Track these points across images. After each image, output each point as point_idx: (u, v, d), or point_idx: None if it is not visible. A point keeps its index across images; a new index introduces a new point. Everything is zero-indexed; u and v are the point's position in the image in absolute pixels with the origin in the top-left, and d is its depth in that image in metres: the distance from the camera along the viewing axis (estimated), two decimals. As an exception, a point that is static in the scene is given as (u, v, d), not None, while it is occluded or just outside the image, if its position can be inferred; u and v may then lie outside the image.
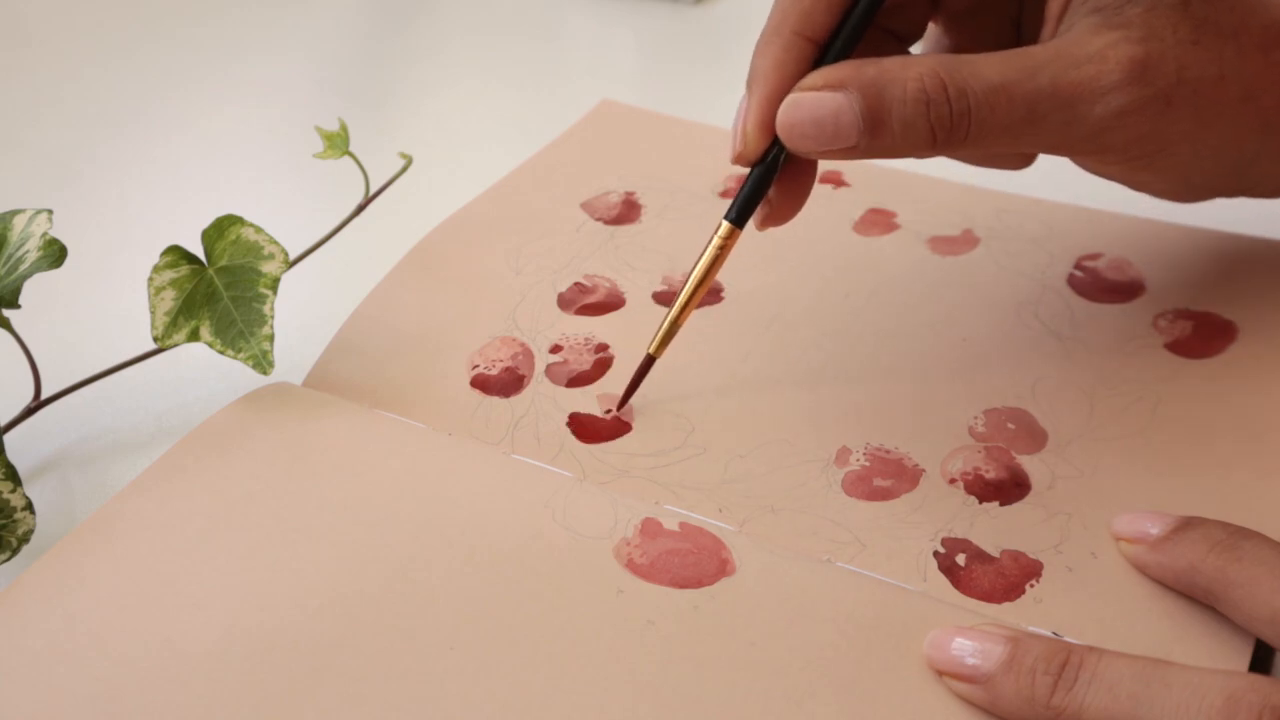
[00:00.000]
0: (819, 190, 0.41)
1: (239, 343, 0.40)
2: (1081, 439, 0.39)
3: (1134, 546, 0.34)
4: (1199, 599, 0.33)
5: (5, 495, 0.37)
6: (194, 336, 0.41)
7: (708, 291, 0.46)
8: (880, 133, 0.35)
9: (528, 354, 0.43)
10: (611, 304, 0.46)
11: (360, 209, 0.46)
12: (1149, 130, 0.35)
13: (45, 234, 0.40)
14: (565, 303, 0.46)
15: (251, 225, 0.42)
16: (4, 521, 0.37)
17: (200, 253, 0.41)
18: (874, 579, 0.34)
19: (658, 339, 0.40)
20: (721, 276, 0.47)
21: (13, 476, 0.37)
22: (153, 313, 0.41)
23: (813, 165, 0.39)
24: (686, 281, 0.39)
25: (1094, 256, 0.46)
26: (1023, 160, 0.42)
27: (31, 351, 0.41)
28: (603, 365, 0.43)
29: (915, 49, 0.42)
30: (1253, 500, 0.36)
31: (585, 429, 0.40)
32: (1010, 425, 0.39)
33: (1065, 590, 0.34)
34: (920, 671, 0.32)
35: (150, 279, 0.41)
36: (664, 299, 0.46)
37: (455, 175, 0.54)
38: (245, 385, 0.42)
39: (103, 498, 0.39)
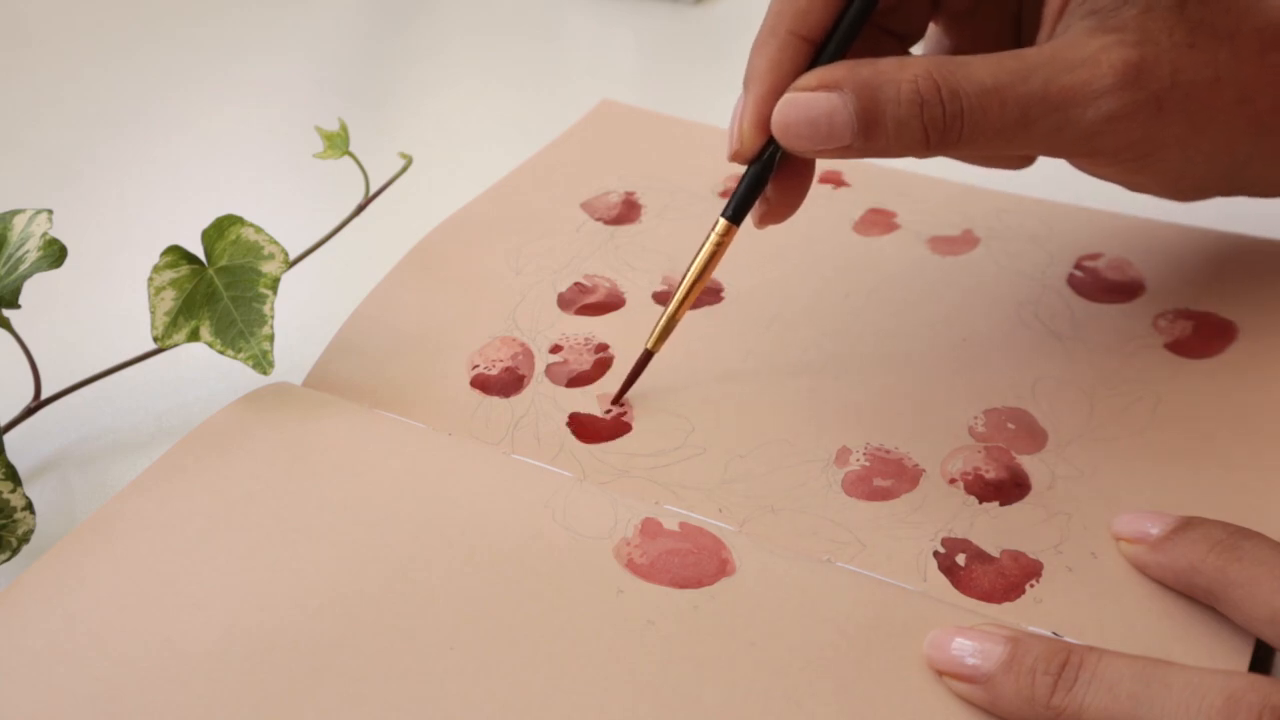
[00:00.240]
0: (819, 190, 0.41)
1: (239, 343, 0.40)
2: (1081, 439, 0.39)
3: (1134, 546, 0.34)
4: (1199, 599, 0.33)
5: (5, 495, 0.37)
6: (194, 336, 0.41)
7: (708, 291, 0.46)
8: (874, 133, 0.35)
9: (528, 354, 0.43)
10: (611, 304, 0.46)
11: (360, 209, 0.46)
12: (1141, 134, 0.35)
13: (45, 234, 0.40)
14: (565, 303, 0.46)
15: (251, 225, 0.42)
16: (4, 521, 0.37)
17: (200, 253, 0.41)
18: (874, 579, 0.34)
19: (655, 334, 0.40)
20: (721, 276, 0.47)
21: (13, 476, 0.37)
22: (153, 313, 0.41)
23: (810, 164, 0.39)
24: (684, 278, 0.39)
25: (1094, 256, 0.46)
26: (1022, 161, 0.42)
27: (31, 351, 0.41)
28: (603, 365, 0.43)
29: (916, 50, 0.42)
30: (1253, 500, 0.36)
31: (585, 429, 0.40)
32: (1010, 425, 0.39)
33: (1065, 590, 0.34)
34: (920, 671, 0.32)
35: (150, 279, 0.41)
36: (664, 299, 0.46)
37: (455, 175, 0.54)
38: (245, 385, 0.42)
39: (103, 498, 0.39)
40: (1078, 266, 0.46)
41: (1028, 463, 0.38)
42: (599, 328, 0.45)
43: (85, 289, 0.48)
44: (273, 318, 0.40)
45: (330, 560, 0.35)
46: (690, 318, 0.45)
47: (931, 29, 0.42)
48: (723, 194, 0.52)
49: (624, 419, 0.41)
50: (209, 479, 0.38)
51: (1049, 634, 0.32)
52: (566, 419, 0.41)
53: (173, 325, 0.41)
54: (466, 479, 0.38)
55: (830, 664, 0.32)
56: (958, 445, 0.39)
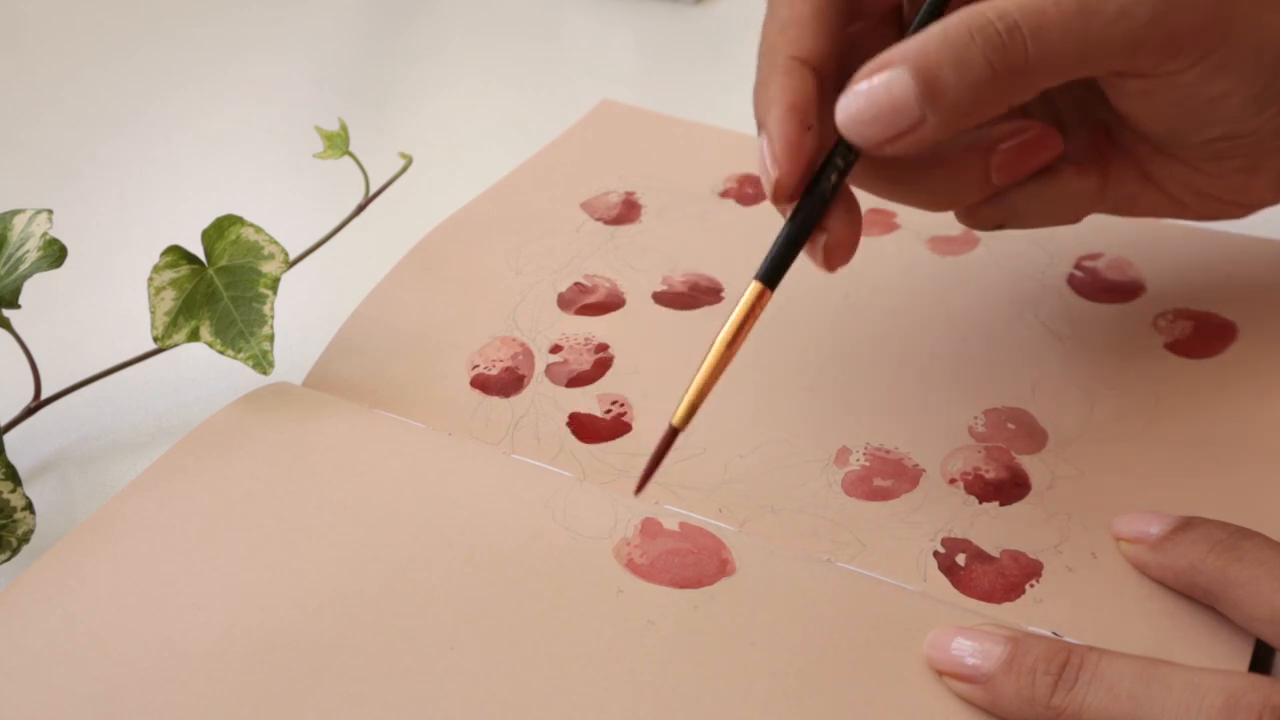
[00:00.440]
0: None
1: (239, 343, 0.40)
2: (1081, 439, 0.39)
3: (1134, 546, 0.34)
4: (1199, 599, 0.33)
5: (5, 495, 0.37)
6: (194, 336, 0.41)
7: (708, 291, 0.46)
8: (938, 90, 0.32)
9: (528, 354, 0.43)
10: (611, 304, 0.46)
11: (360, 209, 0.46)
12: (1209, 7, 0.33)
13: (45, 234, 0.40)
14: (565, 303, 0.46)
15: (251, 225, 0.42)
16: (4, 521, 0.37)
17: (200, 253, 0.42)
18: (874, 579, 0.34)
19: (682, 410, 0.34)
20: (721, 276, 0.47)
21: (13, 476, 0.37)
22: (153, 313, 0.41)
23: (851, 196, 0.37)
24: (710, 349, 0.34)
25: (1094, 256, 0.46)
26: (1091, 202, 0.39)
27: (31, 351, 0.41)
28: (603, 365, 0.43)
29: None
30: (1253, 500, 0.36)
31: (585, 429, 0.40)
32: (1010, 425, 0.39)
33: (1065, 590, 0.34)
34: (920, 671, 0.32)
35: (150, 279, 0.41)
36: (664, 299, 0.46)
37: (455, 175, 0.54)
38: (245, 385, 0.42)
39: (103, 498, 0.39)
40: (1078, 266, 0.46)
41: (1028, 463, 0.38)
42: (599, 328, 0.45)
43: (85, 289, 0.48)
44: (273, 318, 0.40)
45: (330, 560, 0.35)
46: (690, 318, 0.45)
47: None
48: (723, 194, 0.52)
49: (624, 419, 0.41)
50: (209, 479, 0.38)
51: (1049, 634, 0.32)
52: (566, 419, 0.41)
53: (173, 325, 0.41)
54: (466, 479, 0.38)
55: (830, 664, 0.32)
56: (958, 445, 0.39)
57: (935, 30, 0.33)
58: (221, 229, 0.42)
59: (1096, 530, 0.35)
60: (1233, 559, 0.32)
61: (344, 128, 0.46)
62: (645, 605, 0.33)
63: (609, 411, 0.41)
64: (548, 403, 0.41)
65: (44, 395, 0.41)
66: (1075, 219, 0.39)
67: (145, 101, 0.65)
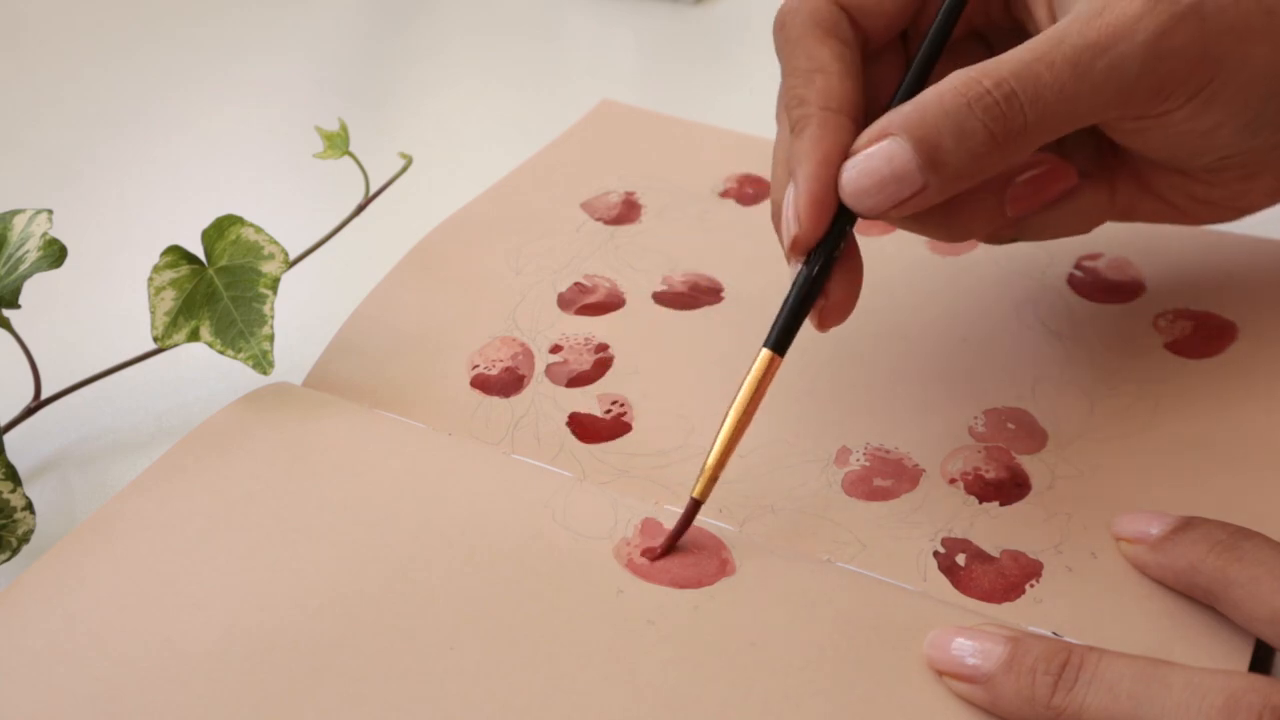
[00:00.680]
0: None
1: (239, 343, 0.40)
2: (1081, 439, 0.39)
3: (1134, 546, 0.34)
4: (1199, 599, 0.33)
5: (5, 495, 0.37)
6: (194, 336, 0.41)
7: (707, 291, 0.46)
8: (939, 158, 0.33)
9: (528, 354, 0.43)
10: (611, 304, 0.46)
11: (360, 209, 0.46)
12: (1196, 51, 0.34)
13: (45, 234, 0.40)
14: (565, 303, 0.46)
15: (251, 225, 0.42)
16: (4, 521, 0.37)
17: (200, 253, 0.42)
18: (874, 579, 0.34)
19: (701, 483, 0.35)
20: (721, 276, 0.47)
21: (13, 476, 0.37)
22: (153, 313, 0.41)
23: (856, 251, 0.37)
24: (724, 421, 0.35)
25: (1094, 256, 0.46)
26: (1100, 212, 0.40)
27: (31, 351, 0.41)
28: (603, 365, 0.43)
29: None
30: (1253, 500, 0.36)
31: (585, 429, 0.40)
32: (1010, 425, 0.39)
33: (1065, 590, 0.34)
34: (920, 671, 0.32)
35: (150, 279, 0.41)
36: (664, 299, 0.46)
37: (455, 175, 0.54)
38: (245, 385, 0.42)
39: (103, 498, 0.39)
40: (1078, 266, 0.46)
41: (1028, 463, 0.38)
42: (599, 328, 0.45)
43: (85, 289, 0.48)
44: (273, 318, 0.40)
45: (330, 560, 0.35)
46: (690, 318, 0.45)
47: None
48: (723, 194, 0.52)
49: (624, 419, 0.41)
50: (209, 479, 0.38)
51: (1049, 634, 0.32)
52: (566, 419, 0.41)
53: (173, 325, 0.41)
54: (466, 479, 0.38)
55: (830, 664, 0.32)
56: (958, 445, 0.39)
57: (931, 98, 0.33)
58: (221, 229, 0.42)
59: (1096, 530, 0.35)
60: (1233, 559, 0.32)
61: (344, 128, 0.46)
62: (645, 605, 0.33)
63: (609, 411, 0.41)
64: (548, 403, 0.41)
65: (44, 395, 0.41)
66: (1086, 230, 0.40)
67: (145, 101, 0.65)
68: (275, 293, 0.41)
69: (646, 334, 0.44)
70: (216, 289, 0.41)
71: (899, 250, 0.48)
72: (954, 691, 0.31)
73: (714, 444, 0.35)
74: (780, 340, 0.35)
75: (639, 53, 0.69)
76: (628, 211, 0.51)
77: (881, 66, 0.39)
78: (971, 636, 0.31)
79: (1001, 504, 0.37)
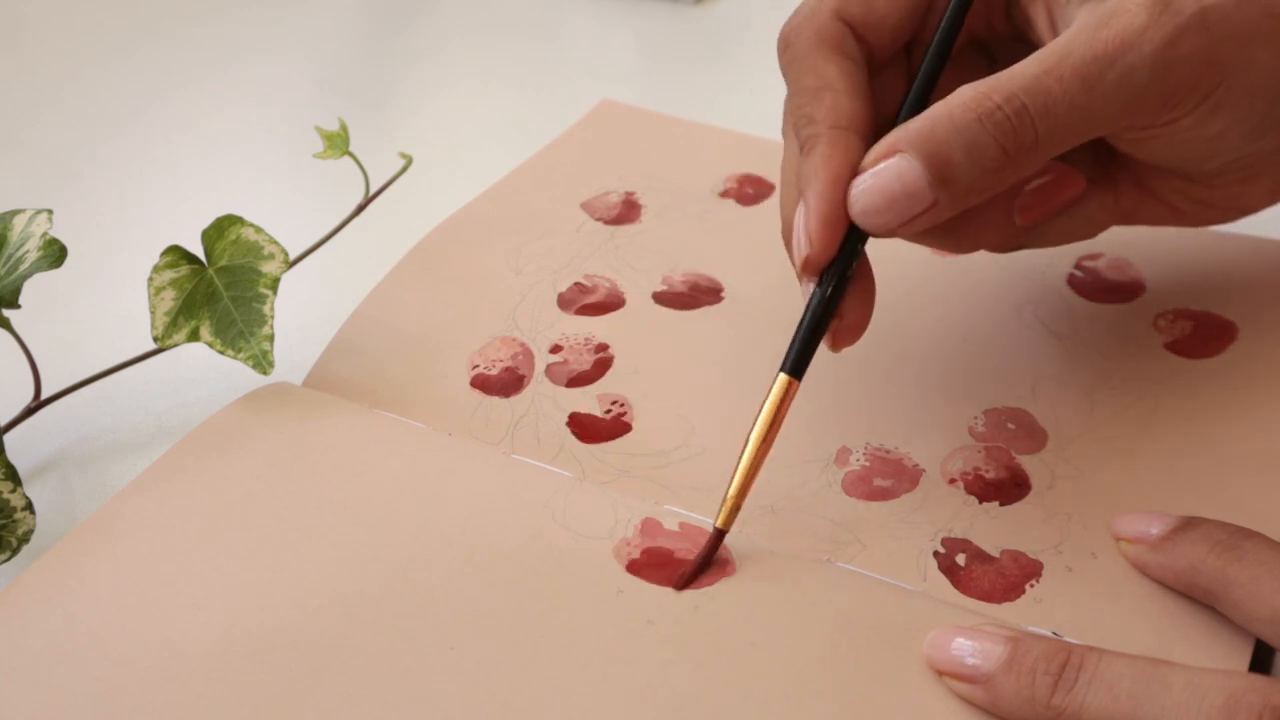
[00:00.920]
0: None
1: (239, 343, 0.40)
2: (1081, 439, 0.39)
3: (1134, 546, 0.34)
4: (1199, 599, 0.33)
5: (5, 495, 0.37)
6: (194, 336, 0.41)
7: (707, 291, 0.46)
8: (950, 174, 0.33)
9: (528, 354, 0.43)
10: (611, 304, 0.46)
11: (360, 209, 0.46)
12: (1202, 59, 0.34)
13: (45, 234, 0.40)
14: (565, 303, 0.46)
15: (251, 225, 0.42)
16: (4, 521, 0.37)
17: (200, 253, 0.42)
18: (874, 579, 0.34)
19: (724, 513, 0.34)
20: (721, 276, 0.47)
21: (13, 476, 0.37)
22: (153, 313, 0.41)
23: (868, 270, 0.37)
24: (744, 450, 0.35)
25: (1094, 256, 0.46)
26: (1109, 215, 0.40)
27: (31, 351, 0.41)
28: (603, 365, 0.43)
29: None
30: (1253, 500, 0.36)
31: (585, 429, 0.40)
32: (1010, 425, 0.39)
33: (1065, 590, 0.34)
34: (920, 671, 0.32)
35: (150, 279, 0.41)
36: (664, 299, 0.46)
37: (455, 175, 0.54)
38: (245, 385, 0.42)
39: (103, 498, 0.39)
40: (1078, 266, 0.46)
41: (1028, 463, 0.38)
42: (599, 328, 0.45)
43: (85, 289, 0.48)
44: (273, 318, 0.40)
45: (330, 560, 0.35)
46: (690, 317, 0.45)
47: None
48: (723, 194, 0.52)
49: (624, 419, 0.41)
50: (209, 479, 0.38)
51: (1049, 634, 0.32)
52: (566, 419, 0.41)
53: (173, 325, 0.41)
54: (466, 479, 0.38)
55: (830, 664, 0.32)
56: (958, 445, 0.39)
57: (941, 114, 0.33)
58: (221, 229, 0.42)
59: (1096, 530, 0.35)
60: (1233, 559, 0.32)
61: (344, 128, 0.46)
62: (645, 605, 0.33)
63: (609, 411, 0.41)
64: (548, 403, 0.41)
65: (44, 395, 0.41)
66: (1092, 235, 0.40)
67: (145, 101, 0.65)
68: (275, 293, 0.41)
69: (646, 334, 0.44)
70: (216, 289, 0.41)
71: (899, 251, 0.47)
72: (954, 691, 0.31)
73: (735, 473, 0.34)
74: (797, 365, 0.35)
75: (639, 53, 0.69)
76: (628, 211, 0.51)
77: (885, 79, 0.39)
78: (971, 636, 0.31)
79: (1001, 504, 0.37)
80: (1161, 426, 0.39)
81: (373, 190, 0.46)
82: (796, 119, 0.36)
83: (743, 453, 0.35)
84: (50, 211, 0.40)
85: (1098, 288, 0.45)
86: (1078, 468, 0.38)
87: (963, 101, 0.33)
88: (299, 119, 0.60)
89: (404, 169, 0.47)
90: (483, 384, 0.42)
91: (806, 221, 0.35)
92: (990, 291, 0.45)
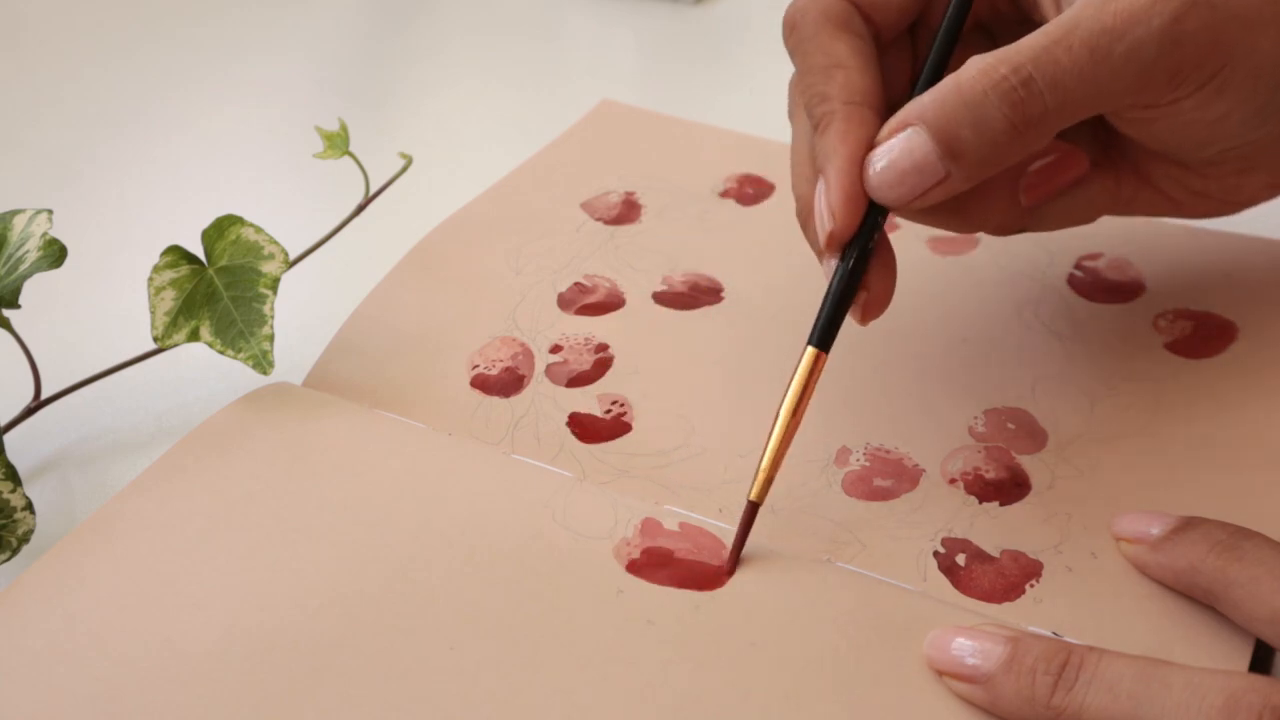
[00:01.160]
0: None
1: (239, 343, 0.40)
2: (1081, 439, 0.39)
3: (1134, 546, 0.34)
4: (1199, 599, 0.33)
5: (5, 495, 0.37)
6: (194, 336, 0.41)
7: (707, 291, 0.46)
8: (959, 146, 0.33)
9: (528, 354, 0.43)
10: (611, 304, 0.46)
11: (360, 209, 0.46)
12: (1208, 38, 0.34)
13: (45, 234, 0.40)
14: (565, 303, 0.46)
15: (251, 225, 0.42)
16: (4, 521, 0.37)
17: (200, 253, 0.42)
18: (874, 579, 0.34)
19: (758, 485, 0.35)
20: (721, 276, 0.47)
21: (13, 476, 0.37)
22: (153, 313, 0.41)
23: (888, 243, 0.37)
24: (774, 423, 0.35)
25: (1094, 256, 0.46)
26: (1109, 201, 0.40)
27: (31, 351, 0.41)
28: (603, 365, 0.43)
29: None
30: (1253, 500, 0.36)
31: (585, 429, 0.40)
32: (1010, 425, 0.39)
33: (1065, 590, 0.34)
34: (920, 671, 0.32)
35: (150, 279, 0.41)
36: (664, 299, 0.46)
37: (455, 175, 0.54)
38: (245, 385, 0.42)
39: (103, 498, 0.39)
40: (1078, 266, 0.46)
41: (1028, 463, 0.38)
42: (599, 328, 0.45)
43: (85, 289, 0.48)
44: (273, 318, 0.40)
45: (330, 560, 0.35)
46: (690, 317, 0.45)
47: None
48: (723, 194, 0.52)
49: (624, 419, 0.41)
50: (209, 479, 0.38)
51: (1049, 634, 0.32)
52: (566, 419, 0.41)
53: (173, 325, 0.41)
54: (466, 479, 0.38)
55: (830, 664, 0.32)
56: (958, 445, 0.39)
57: (949, 88, 0.33)
58: (221, 229, 0.42)
59: (1096, 530, 0.35)
60: (1233, 559, 0.32)
61: (344, 128, 0.46)
62: (645, 605, 0.33)
63: (609, 411, 0.41)
64: (548, 403, 0.41)
65: (44, 395, 0.41)
66: (1092, 219, 0.40)
67: (145, 101, 0.65)
68: (275, 293, 0.41)
69: (646, 334, 0.44)
70: (216, 289, 0.41)
71: (900, 250, 0.47)
72: (954, 691, 0.31)
73: (766, 446, 0.35)
74: (824, 337, 0.35)
75: (639, 53, 0.69)
76: (628, 211, 0.51)
77: (890, 61, 0.39)
78: (971, 636, 0.31)
79: (1001, 504, 0.37)
80: (1161, 426, 0.39)
81: (373, 190, 0.46)
82: (809, 98, 0.36)
83: (773, 428, 0.35)
84: (50, 211, 0.40)
85: (1098, 288, 0.45)
86: (1078, 468, 0.38)
87: (971, 74, 0.33)
88: (299, 119, 0.60)
89: (404, 169, 0.47)
90: (483, 384, 0.42)
91: (828, 197, 0.35)
92: (990, 291, 0.45)
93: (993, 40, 0.40)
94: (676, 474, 0.38)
